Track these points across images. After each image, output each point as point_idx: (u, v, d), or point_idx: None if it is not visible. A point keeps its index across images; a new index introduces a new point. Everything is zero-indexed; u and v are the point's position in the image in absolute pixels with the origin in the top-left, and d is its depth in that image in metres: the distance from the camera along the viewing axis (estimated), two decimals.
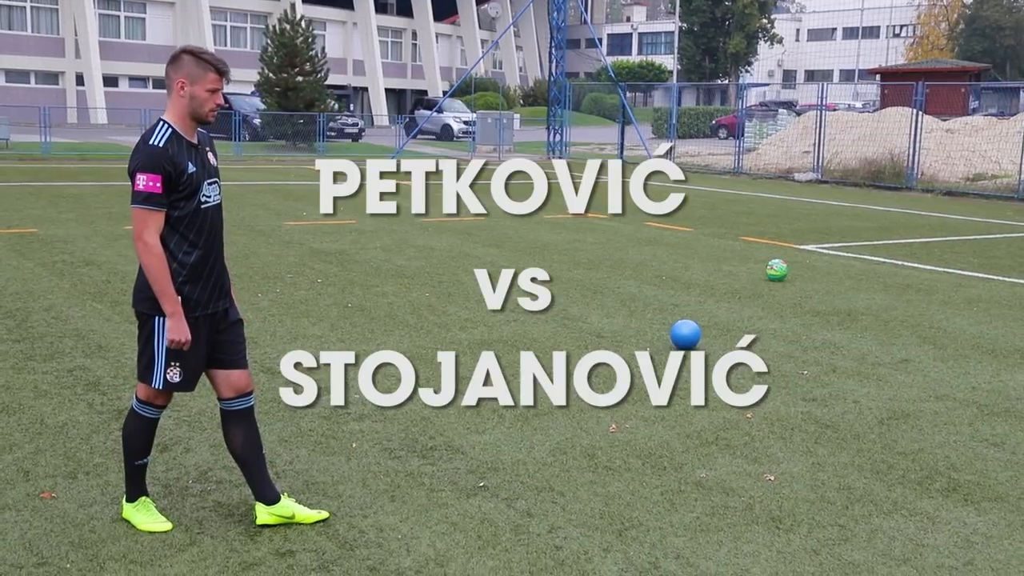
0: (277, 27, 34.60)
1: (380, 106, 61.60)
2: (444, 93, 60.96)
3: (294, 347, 7.46)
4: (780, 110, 40.20)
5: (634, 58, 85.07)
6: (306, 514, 4.41)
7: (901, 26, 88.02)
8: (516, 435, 5.67)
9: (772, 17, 78.71)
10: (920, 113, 25.15)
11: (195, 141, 4.21)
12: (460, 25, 71.75)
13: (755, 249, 13.38)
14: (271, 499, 4.37)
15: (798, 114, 36.73)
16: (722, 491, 4.95)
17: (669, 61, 79.40)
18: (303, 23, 34.55)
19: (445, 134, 45.39)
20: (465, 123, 44.09)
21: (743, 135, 31.54)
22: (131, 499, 4.37)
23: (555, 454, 5.40)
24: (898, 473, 5.27)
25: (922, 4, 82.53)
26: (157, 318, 4.15)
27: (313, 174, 27.00)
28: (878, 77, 45.97)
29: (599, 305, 9.40)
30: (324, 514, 4.47)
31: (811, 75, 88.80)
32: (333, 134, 36.90)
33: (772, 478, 5.14)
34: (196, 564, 4.01)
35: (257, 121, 35.85)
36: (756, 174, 28.80)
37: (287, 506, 4.38)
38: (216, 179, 4.29)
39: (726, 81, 76.76)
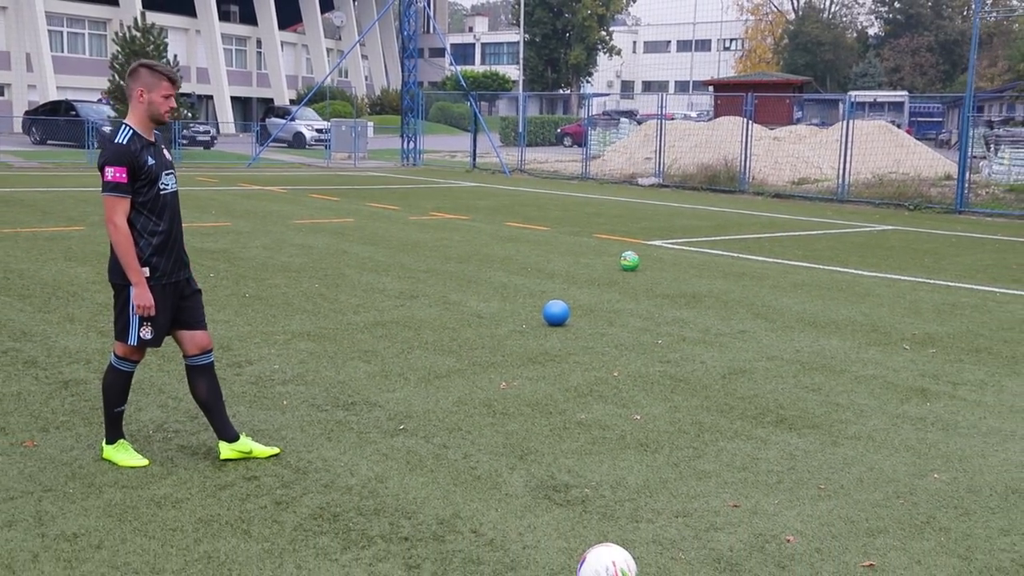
0: (127, 34, 34.32)
1: (226, 114, 61.14)
2: (292, 101, 61.01)
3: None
4: (622, 119, 42.15)
5: (478, 68, 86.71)
6: (261, 449, 5.27)
7: (731, 40, 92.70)
8: (422, 392, 6.63)
9: (610, 30, 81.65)
10: (750, 122, 27.19)
11: (152, 140, 5.04)
12: (305, 33, 71.80)
13: (608, 245, 14.66)
14: (232, 437, 5.21)
15: (639, 123, 38.67)
16: (599, 427, 6.04)
17: (512, 71, 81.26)
18: (154, 30, 34.39)
19: (297, 142, 45.65)
20: (318, 131, 44.47)
21: (589, 143, 33.08)
22: (110, 441, 5.14)
23: (458, 405, 6.39)
24: (738, 412, 6.47)
25: (749, 19, 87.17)
26: (131, 288, 4.95)
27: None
28: (711, 88, 48.70)
29: (475, 292, 10.42)
30: (276, 450, 5.33)
31: (648, 86, 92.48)
32: (185, 142, 36.84)
33: (639, 417, 6.26)
34: (179, 486, 4.83)
35: (107, 129, 35.39)
36: (602, 179, 30.42)
37: (246, 443, 5.23)
38: (172, 171, 5.15)
39: (568, 91, 79.16)
